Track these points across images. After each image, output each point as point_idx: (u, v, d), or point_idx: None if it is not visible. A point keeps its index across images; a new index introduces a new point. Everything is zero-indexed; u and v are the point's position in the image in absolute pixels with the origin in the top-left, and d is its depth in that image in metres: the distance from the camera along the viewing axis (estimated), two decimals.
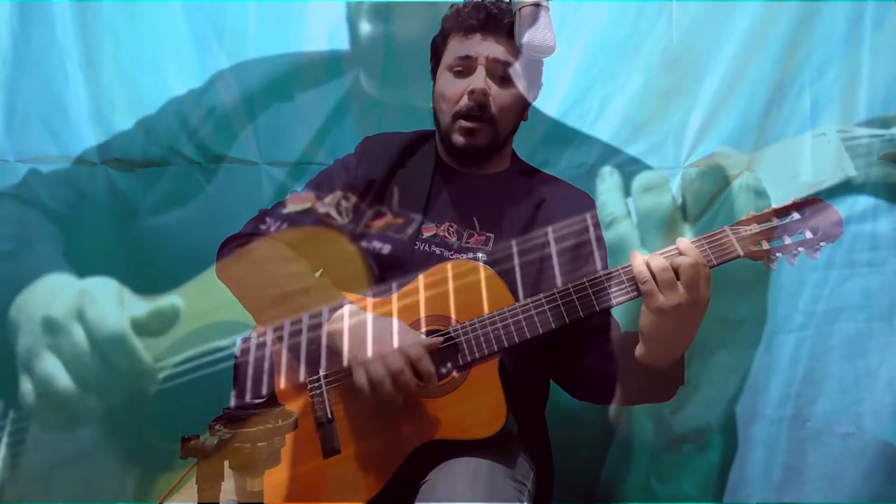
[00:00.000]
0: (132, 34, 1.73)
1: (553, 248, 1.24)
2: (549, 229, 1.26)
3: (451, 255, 1.28)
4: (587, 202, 1.36)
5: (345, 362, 1.14)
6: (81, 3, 1.70)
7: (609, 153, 1.70)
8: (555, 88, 1.72)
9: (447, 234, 1.30)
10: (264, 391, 1.20)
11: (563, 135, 1.72)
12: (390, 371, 1.10)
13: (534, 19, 1.16)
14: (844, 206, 1.64)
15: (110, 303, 1.62)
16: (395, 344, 1.12)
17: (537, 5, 1.18)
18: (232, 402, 0.82)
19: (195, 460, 0.78)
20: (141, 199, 1.71)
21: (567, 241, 1.26)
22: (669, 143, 1.69)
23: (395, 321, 1.16)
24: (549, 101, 1.72)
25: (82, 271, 1.67)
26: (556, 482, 1.35)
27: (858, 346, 1.64)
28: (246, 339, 1.24)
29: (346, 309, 1.16)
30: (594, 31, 1.72)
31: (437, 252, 1.29)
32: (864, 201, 1.65)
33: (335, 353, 1.15)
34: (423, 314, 1.19)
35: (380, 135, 1.44)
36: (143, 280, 1.68)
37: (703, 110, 1.69)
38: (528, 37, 1.16)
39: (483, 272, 1.19)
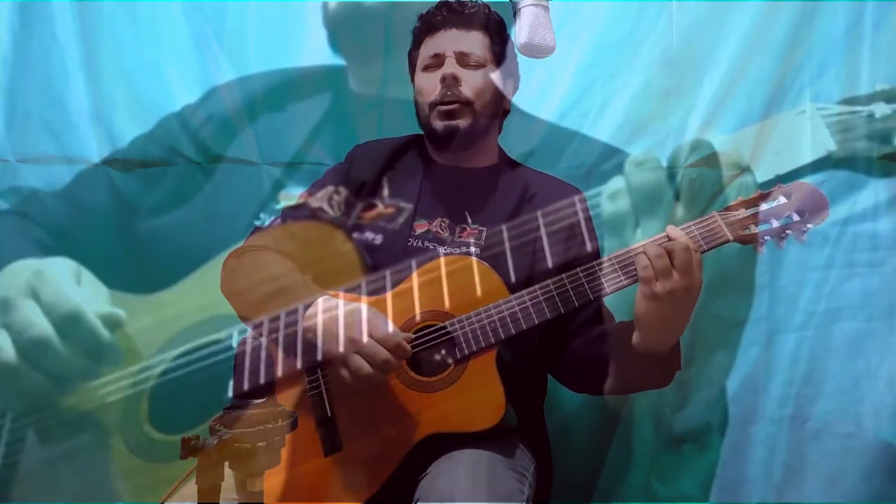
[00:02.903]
0: (132, 34, 1.72)
1: (545, 237, 1.25)
2: (540, 217, 1.27)
3: (445, 249, 1.28)
4: (576, 195, 1.36)
5: (319, 356, 1.14)
6: (81, 3, 1.70)
7: (609, 153, 1.70)
8: (555, 88, 1.72)
9: (439, 230, 1.31)
10: (264, 389, 1.20)
11: (562, 135, 1.72)
12: (368, 358, 1.11)
13: (534, 19, 1.16)
14: (844, 207, 1.65)
15: (65, 282, 1.62)
16: (365, 332, 1.12)
17: (537, 5, 1.18)
18: (231, 401, 0.82)
19: (196, 460, 0.78)
20: (141, 199, 1.70)
21: (558, 229, 1.27)
22: (669, 143, 1.69)
23: (363, 308, 1.15)
24: (549, 102, 1.72)
25: None
26: (556, 482, 1.35)
27: (858, 346, 1.64)
28: (246, 337, 1.24)
29: (320, 303, 1.15)
30: (594, 31, 1.72)
31: (431, 247, 1.29)
32: (864, 201, 1.65)
33: (312, 349, 1.15)
34: (418, 310, 1.20)
35: (369, 141, 1.46)
36: (144, 279, 1.68)
37: (703, 110, 1.68)
38: (528, 37, 1.15)
39: (476, 265, 1.20)
